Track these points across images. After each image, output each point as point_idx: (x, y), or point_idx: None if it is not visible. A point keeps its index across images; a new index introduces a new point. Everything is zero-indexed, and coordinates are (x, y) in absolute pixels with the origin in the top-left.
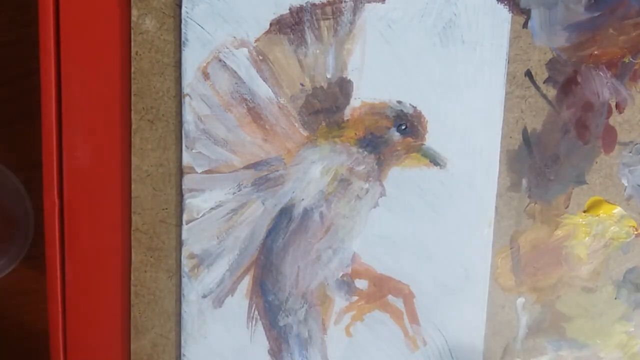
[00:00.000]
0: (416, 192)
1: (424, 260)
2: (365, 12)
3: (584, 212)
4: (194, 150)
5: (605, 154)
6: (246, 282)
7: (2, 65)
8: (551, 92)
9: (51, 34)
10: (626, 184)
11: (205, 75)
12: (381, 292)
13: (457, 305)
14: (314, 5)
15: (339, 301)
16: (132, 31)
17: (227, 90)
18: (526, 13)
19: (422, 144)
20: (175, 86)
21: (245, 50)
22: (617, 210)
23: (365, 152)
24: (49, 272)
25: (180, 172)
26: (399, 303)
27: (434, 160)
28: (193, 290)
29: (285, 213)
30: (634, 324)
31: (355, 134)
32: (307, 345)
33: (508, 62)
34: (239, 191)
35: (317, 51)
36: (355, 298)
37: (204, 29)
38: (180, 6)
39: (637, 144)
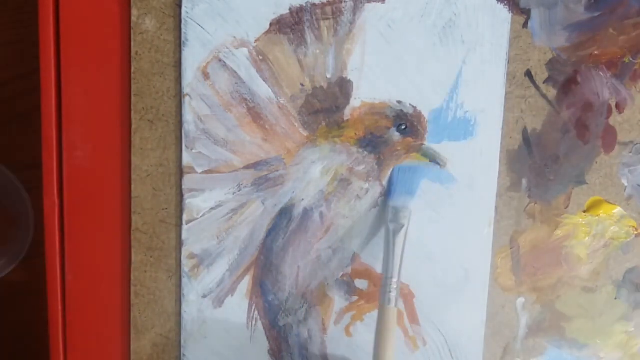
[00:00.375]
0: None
1: (424, 260)
2: (365, 12)
3: (584, 212)
4: (194, 150)
5: (605, 154)
6: (246, 282)
7: (2, 65)
8: (551, 92)
9: (51, 34)
10: (626, 184)
11: (205, 75)
12: None
13: (457, 305)
14: (314, 5)
15: (339, 301)
16: (132, 31)
17: (227, 90)
18: (526, 13)
19: (422, 144)
20: (175, 86)
21: (245, 50)
22: (617, 210)
23: (365, 152)
24: (49, 272)
25: (180, 172)
26: (399, 303)
27: (434, 160)
28: (193, 290)
29: (285, 213)
30: (634, 324)
31: (355, 134)
32: (307, 345)
33: (508, 62)
34: (239, 191)
35: (317, 51)
36: (355, 298)
37: (204, 29)
38: (180, 6)
39: (637, 144)
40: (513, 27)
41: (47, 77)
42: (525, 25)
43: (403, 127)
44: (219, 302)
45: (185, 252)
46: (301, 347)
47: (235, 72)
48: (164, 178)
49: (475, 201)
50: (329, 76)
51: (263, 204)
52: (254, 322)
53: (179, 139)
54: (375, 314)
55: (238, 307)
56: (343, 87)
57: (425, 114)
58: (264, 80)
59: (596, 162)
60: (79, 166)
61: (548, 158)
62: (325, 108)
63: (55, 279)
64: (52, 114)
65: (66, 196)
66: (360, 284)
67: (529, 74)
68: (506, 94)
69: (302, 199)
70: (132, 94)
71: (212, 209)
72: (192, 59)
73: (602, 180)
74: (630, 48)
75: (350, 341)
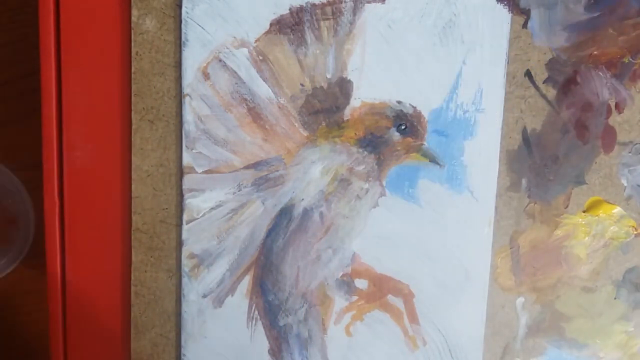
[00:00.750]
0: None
1: (424, 260)
2: (365, 12)
3: (584, 212)
4: (194, 150)
5: (604, 154)
6: (246, 282)
7: (2, 65)
8: (551, 92)
9: (51, 34)
10: (626, 184)
11: (206, 76)
12: (381, 292)
13: (457, 305)
14: (314, 5)
15: (339, 301)
16: (132, 31)
17: (227, 90)
18: (526, 13)
19: (422, 144)
20: (175, 86)
21: (245, 50)
22: (617, 210)
23: (365, 152)
24: (49, 272)
25: (181, 172)
26: (398, 303)
27: (434, 160)
28: (193, 290)
29: (285, 213)
30: (634, 324)
31: (355, 134)
32: (307, 345)
33: (508, 62)
34: (239, 191)
35: (317, 51)
36: (355, 298)
37: (204, 29)
38: (180, 6)
39: (636, 144)
40: (513, 27)
41: (47, 77)
42: (525, 25)
43: (403, 127)
44: (219, 302)
45: (185, 252)
46: (301, 347)
47: (235, 72)
48: (164, 178)
49: (475, 201)
50: (329, 76)
51: (263, 204)
52: (254, 322)
53: (179, 139)
54: (375, 314)
55: (238, 307)
56: (343, 87)
57: (425, 114)
58: (264, 81)
59: (596, 162)
60: (79, 166)
61: (548, 158)
62: (325, 108)
63: (55, 279)
64: (52, 114)
65: (66, 196)
66: (360, 283)
67: (528, 74)
68: (506, 94)
69: (302, 199)
70: (133, 94)
71: (212, 209)
72: (192, 59)
73: (602, 180)
74: (629, 48)
75: (350, 341)
